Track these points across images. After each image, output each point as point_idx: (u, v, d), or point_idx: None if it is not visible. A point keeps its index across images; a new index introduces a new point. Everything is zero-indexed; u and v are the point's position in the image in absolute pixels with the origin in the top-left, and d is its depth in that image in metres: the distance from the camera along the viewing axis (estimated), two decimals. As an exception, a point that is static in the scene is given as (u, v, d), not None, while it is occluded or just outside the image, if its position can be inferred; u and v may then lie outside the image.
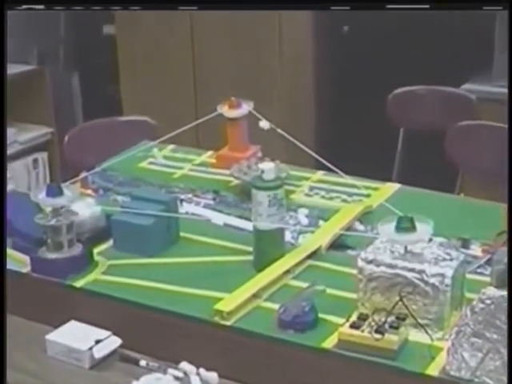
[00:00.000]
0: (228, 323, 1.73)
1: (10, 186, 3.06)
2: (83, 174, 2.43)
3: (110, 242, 2.09)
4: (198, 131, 3.10)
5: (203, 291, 1.85)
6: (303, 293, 1.78)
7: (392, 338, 1.60)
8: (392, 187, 2.40)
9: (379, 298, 1.70)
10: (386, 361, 1.58)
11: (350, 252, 2.02)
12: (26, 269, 1.98)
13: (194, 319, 1.74)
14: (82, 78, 4.98)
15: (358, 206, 2.23)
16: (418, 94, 3.51)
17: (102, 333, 1.75)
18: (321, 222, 2.17)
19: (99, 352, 1.72)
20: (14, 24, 2.61)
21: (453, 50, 3.99)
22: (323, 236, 2.05)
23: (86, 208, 2.08)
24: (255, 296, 1.82)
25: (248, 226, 2.09)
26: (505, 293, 1.50)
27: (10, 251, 2.03)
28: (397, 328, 1.62)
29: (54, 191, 1.94)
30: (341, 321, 1.68)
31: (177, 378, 1.65)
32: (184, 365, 1.67)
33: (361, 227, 2.16)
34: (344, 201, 2.31)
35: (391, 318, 1.63)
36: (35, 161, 4.43)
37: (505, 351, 1.49)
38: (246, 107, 2.48)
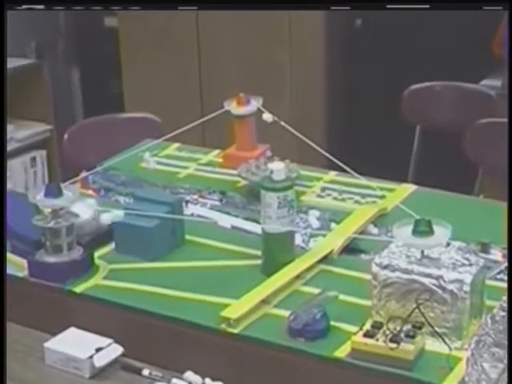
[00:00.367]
0: (235, 331, 1.72)
1: (7, 186, 3.07)
2: (83, 174, 2.41)
3: (112, 245, 2.08)
4: (205, 129, 3.11)
5: (209, 297, 1.84)
6: (314, 299, 1.76)
7: (408, 348, 1.58)
8: (408, 188, 2.38)
9: (394, 305, 1.68)
10: (402, 371, 1.57)
11: (364, 256, 2.00)
12: (24, 273, 1.96)
13: (200, 326, 1.73)
14: (82, 73, 4.97)
15: (372, 208, 2.21)
16: (434, 91, 3.48)
17: (103, 340, 1.73)
18: (333, 225, 2.16)
19: (100, 361, 1.69)
20: (11, 15, 2.57)
21: (471, 44, 3.96)
22: (335, 239, 2.04)
23: (86, 209, 2.06)
24: (264, 302, 1.81)
25: (256, 228, 2.08)
26: (528, 300, 1.48)
27: (7, 254, 2.01)
28: (413, 337, 1.60)
29: (53, 192, 1.92)
30: (354, 329, 1.66)
31: (181, 389, 1.64)
32: (189, 374, 1.65)
33: (375, 230, 2.13)
34: (357, 202, 2.29)
35: (407, 327, 1.61)
36: (33, 159, 4.41)
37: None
38: (255, 104, 2.47)
